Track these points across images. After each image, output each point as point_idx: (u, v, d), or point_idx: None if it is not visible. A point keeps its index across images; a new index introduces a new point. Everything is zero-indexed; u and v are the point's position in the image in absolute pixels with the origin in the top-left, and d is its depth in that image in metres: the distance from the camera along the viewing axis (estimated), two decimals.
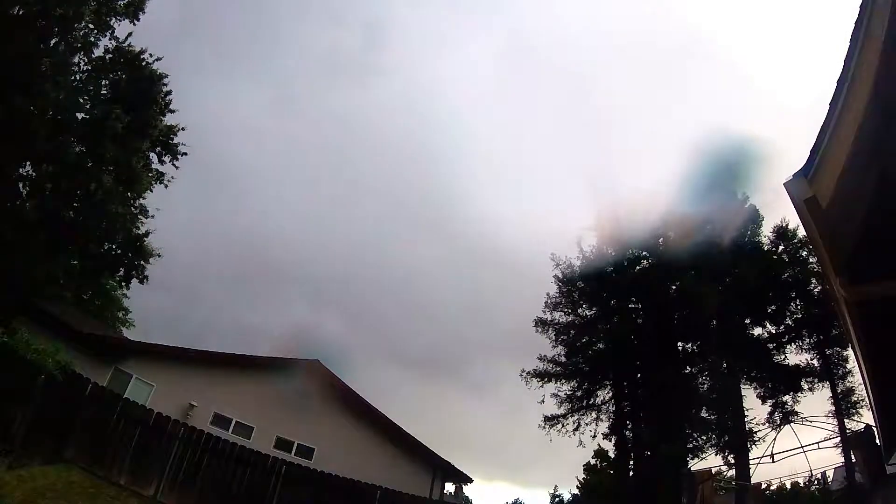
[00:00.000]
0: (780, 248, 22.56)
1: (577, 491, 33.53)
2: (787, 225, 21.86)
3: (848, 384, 19.83)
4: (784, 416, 20.27)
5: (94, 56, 12.77)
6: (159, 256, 14.06)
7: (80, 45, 12.30)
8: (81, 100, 12.58)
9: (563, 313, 26.35)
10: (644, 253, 24.92)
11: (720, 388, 22.43)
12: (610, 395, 25.64)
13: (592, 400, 25.47)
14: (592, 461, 30.83)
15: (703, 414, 23.06)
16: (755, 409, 21.38)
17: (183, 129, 14.43)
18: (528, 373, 25.62)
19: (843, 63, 3.18)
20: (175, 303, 37.55)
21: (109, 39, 12.82)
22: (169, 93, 13.81)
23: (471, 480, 20.89)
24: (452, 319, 51.27)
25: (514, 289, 45.31)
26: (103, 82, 13.06)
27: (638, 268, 25.15)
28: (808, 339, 21.32)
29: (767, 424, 20.61)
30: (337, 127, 52.77)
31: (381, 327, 50.92)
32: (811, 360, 21.17)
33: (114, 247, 13.43)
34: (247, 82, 50.18)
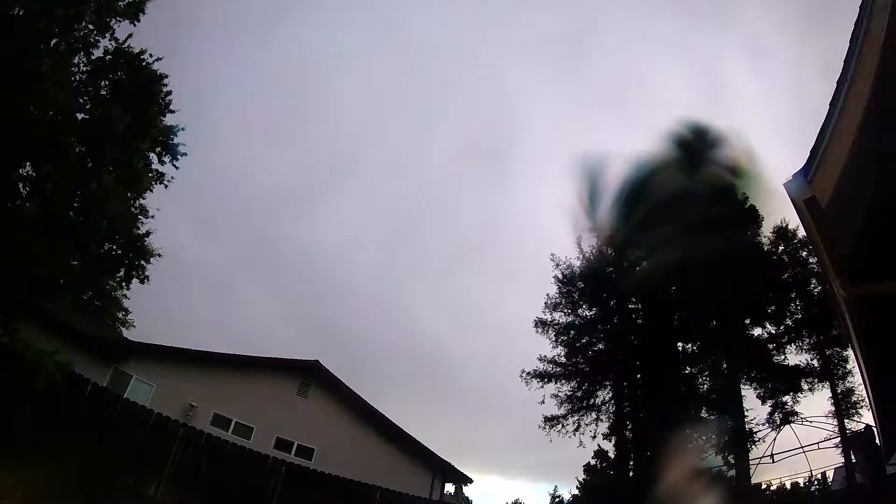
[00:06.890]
0: (780, 248, 22.57)
1: (577, 491, 33.52)
2: (787, 225, 21.87)
3: (848, 384, 19.87)
4: (784, 416, 20.29)
5: (94, 56, 12.76)
6: (159, 256, 14.07)
7: (80, 46, 12.30)
8: (81, 100, 12.57)
9: (563, 314, 26.41)
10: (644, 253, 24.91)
11: (720, 388, 22.43)
12: (610, 395, 25.62)
13: (592, 400, 25.47)
14: (592, 461, 30.83)
15: (703, 414, 23.06)
16: (755, 409, 21.42)
17: (183, 129, 14.43)
18: (528, 373, 25.67)
19: (843, 63, 3.19)
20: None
21: (109, 40, 12.82)
22: (169, 93, 13.78)
23: (471, 481, 20.91)
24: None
25: None
26: (103, 82, 13.05)
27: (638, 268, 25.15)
28: (808, 339, 21.34)
29: (767, 424, 20.66)
30: None
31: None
32: (811, 360, 21.20)
33: (114, 247, 13.41)
34: None
